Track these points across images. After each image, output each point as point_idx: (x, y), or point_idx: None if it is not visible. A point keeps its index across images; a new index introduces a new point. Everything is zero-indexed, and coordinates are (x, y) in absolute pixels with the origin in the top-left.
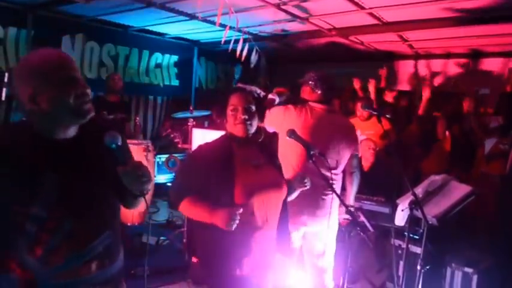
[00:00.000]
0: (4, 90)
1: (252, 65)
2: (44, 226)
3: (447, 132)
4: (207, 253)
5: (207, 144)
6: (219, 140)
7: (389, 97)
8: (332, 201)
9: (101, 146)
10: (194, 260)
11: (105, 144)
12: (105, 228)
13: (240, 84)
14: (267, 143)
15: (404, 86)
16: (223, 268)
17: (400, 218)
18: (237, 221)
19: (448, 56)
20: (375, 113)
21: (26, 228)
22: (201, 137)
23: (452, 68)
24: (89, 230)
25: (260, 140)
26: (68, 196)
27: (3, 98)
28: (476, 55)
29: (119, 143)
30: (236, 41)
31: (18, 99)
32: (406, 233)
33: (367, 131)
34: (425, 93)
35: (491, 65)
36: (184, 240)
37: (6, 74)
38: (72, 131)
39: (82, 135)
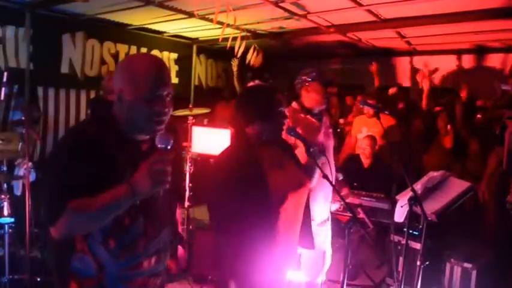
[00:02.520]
0: (3, 89)
1: (248, 62)
2: (121, 222)
3: (449, 127)
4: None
5: (231, 149)
6: (240, 146)
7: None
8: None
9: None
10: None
11: (156, 144)
12: (165, 226)
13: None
14: (285, 141)
15: (402, 82)
16: (246, 275)
17: (400, 214)
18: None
19: (445, 52)
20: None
21: None
22: (201, 135)
23: (451, 63)
24: (155, 228)
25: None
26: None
27: (2, 98)
28: (475, 51)
29: (169, 146)
30: (234, 39)
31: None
32: (405, 229)
33: (374, 128)
34: (426, 88)
35: (492, 60)
36: (185, 238)
37: (5, 74)
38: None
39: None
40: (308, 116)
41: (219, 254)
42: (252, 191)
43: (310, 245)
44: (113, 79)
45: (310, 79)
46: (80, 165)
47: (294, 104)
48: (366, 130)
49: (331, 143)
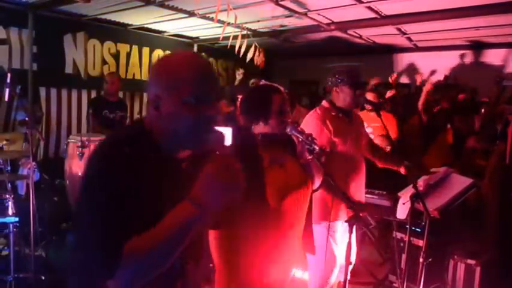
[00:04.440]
0: (7, 90)
1: (248, 60)
2: None
3: (448, 125)
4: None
5: (231, 148)
6: (242, 143)
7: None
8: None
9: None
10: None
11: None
12: (203, 258)
13: (269, 83)
14: (288, 141)
15: (403, 78)
16: (249, 278)
17: (402, 211)
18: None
19: (447, 48)
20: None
21: None
22: None
23: (452, 60)
24: (194, 263)
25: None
26: None
27: (6, 98)
28: (477, 46)
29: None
30: (235, 37)
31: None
32: (408, 226)
33: (373, 123)
34: (426, 86)
35: (493, 56)
36: None
37: (9, 75)
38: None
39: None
40: (340, 115)
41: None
42: (250, 190)
43: (311, 250)
44: (115, 83)
45: (340, 81)
46: (122, 196)
47: (325, 103)
48: (365, 125)
49: (363, 140)
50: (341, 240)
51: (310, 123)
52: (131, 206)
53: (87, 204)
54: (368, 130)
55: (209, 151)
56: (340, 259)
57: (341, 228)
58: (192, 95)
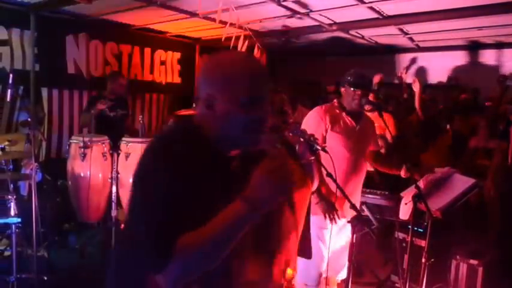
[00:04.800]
0: (9, 91)
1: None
2: None
3: (448, 126)
4: None
5: None
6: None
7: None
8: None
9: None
10: None
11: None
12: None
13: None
14: (288, 141)
15: (405, 78)
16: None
17: (404, 211)
18: None
19: (449, 48)
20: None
21: None
22: None
23: (454, 60)
24: (246, 266)
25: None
26: None
27: (8, 99)
28: (479, 47)
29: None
30: (237, 38)
31: (198, 96)
32: (410, 226)
33: (376, 122)
34: (416, 88)
35: (495, 56)
36: None
37: (11, 76)
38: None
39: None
40: (343, 114)
41: None
42: None
43: (307, 254)
44: (116, 82)
45: (347, 83)
46: (177, 193)
47: (334, 102)
48: None
49: (369, 145)
50: (335, 238)
51: (310, 115)
52: (184, 203)
53: (141, 199)
54: None
55: (259, 151)
56: (328, 256)
57: (335, 227)
58: (248, 95)
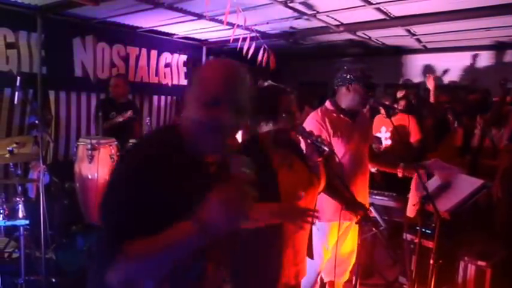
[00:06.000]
0: (17, 93)
1: (259, 63)
2: (178, 264)
3: (456, 125)
4: (250, 262)
5: (240, 151)
6: (250, 145)
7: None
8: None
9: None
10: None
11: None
12: (228, 264)
13: (275, 84)
14: (295, 142)
15: (413, 80)
16: (268, 275)
17: (411, 210)
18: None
19: (456, 49)
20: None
21: None
22: None
23: (462, 60)
24: (218, 270)
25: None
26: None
27: (16, 102)
28: (487, 47)
29: (247, 170)
30: (244, 40)
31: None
32: (418, 228)
33: (391, 127)
34: (430, 86)
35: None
36: None
37: (19, 78)
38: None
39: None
40: (341, 116)
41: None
42: (262, 191)
43: (309, 254)
44: (119, 86)
45: (353, 78)
46: (139, 197)
47: (328, 104)
48: (384, 129)
49: (368, 141)
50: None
51: (310, 123)
52: (147, 207)
53: (108, 198)
54: (386, 135)
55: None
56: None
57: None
58: (210, 96)
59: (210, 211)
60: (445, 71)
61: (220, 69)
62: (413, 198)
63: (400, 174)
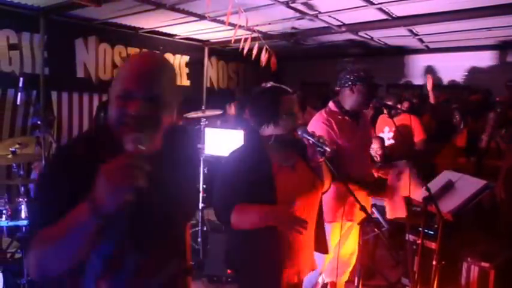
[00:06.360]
0: (19, 94)
1: (262, 64)
2: (109, 260)
3: (462, 126)
4: (252, 261)
5: (241, 150)
6: (252, 145)
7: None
8: None
9: (180, 156)
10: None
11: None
12: (171, 258)
13: (277, 85)
14: (298, 143)
15: (415, 80)
16: (270, 273)
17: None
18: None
19: (459, 49)
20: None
21: (91, 260)
22: (214, 136)
23: (464, 61)
24: (156, 263)
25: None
26: (138, 225)
27: (18, 102)
28: (489, 47)
29: (141, 146)
30: (246, 40)
31: None
32: (420, 229)
33: (394, 127)
34: (429, 87)
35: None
36: (199, 239)
37: (21, 79)
38: (152, 145)
39: (163, 149)
40: (346, 117)
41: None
42: (260, 191)
43: (324, 250)
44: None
45: (356, 79)
46: (56, 189)
47: (331, 105)
48: (387, 129)
49: (369, 142)
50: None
51: (316, 126)
52: (62, 202)
53: (35, 189)
54: (389, 135)
55: (175, 148)
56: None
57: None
58: (123, 88)
59: (97, 187)
60: (447, 71)
61: (133, 61)
62: (397, 199)
63: (375, 174)
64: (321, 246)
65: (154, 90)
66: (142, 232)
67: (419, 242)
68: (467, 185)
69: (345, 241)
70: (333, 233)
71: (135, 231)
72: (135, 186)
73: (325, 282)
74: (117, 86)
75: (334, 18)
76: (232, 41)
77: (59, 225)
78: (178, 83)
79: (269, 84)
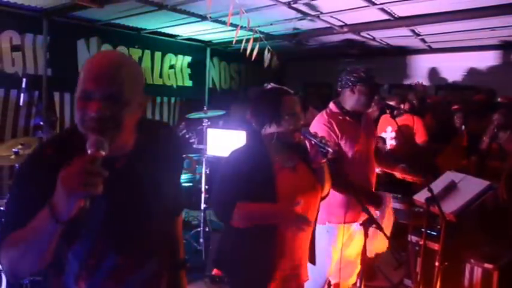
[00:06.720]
0: (22, 95)
1: (265, 65)
2: (87, 261)
3: (463, 127)
4: (246, 260)
5: (242, 150)
6: (253, 145)
7: None
8: None
9: (159, 153)
10: (216, 271)
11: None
12: (151, 256)
13: (278, 86)
14: (300, 145)
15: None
16: (262, 275)
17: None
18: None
19: (461, 49)
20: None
21: (69, 260)
22: (216, 137)
23: (467, 61)
24: (133, 263)
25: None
26: (114, 225)
27: (21, 103)
28: (493, 47)
29: (101, 150)
30: (247, 41)
31: None
32: (423, 230)
33: (396, 127)
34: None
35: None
36: (201, 240)
37: (24, 80)
38: (125, 146)
39: (139, 148)
40: (347, 118)
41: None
42: (260, 190)
43: (312, 260)
44: None
45: (357, 80)
46: (25, 190)
47: (332, 106)
48: (390, 129)
49: (373, 142)
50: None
51: (317, 127)
52: (36, 203)
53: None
54: (391, 135)
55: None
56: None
57: (346, 231)
58: (82, 91)
59: (56, 192)
60: (450, 71)
61: (91, 61)
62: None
63: (399, 176)
64: (312, 257)
65: (112, 88)
66: (120, 231)
67: (421, 243)
68: (470, 186)
69: (350, 242)
70: (340, 234)
71: (112, 231)
72: (89, 194)
73: (331, 283)
74: (78, 88)
75: (336, 19)
76: (234, 42)
77: (26, 229)
78: (181, 83)
79: (270, 85)
